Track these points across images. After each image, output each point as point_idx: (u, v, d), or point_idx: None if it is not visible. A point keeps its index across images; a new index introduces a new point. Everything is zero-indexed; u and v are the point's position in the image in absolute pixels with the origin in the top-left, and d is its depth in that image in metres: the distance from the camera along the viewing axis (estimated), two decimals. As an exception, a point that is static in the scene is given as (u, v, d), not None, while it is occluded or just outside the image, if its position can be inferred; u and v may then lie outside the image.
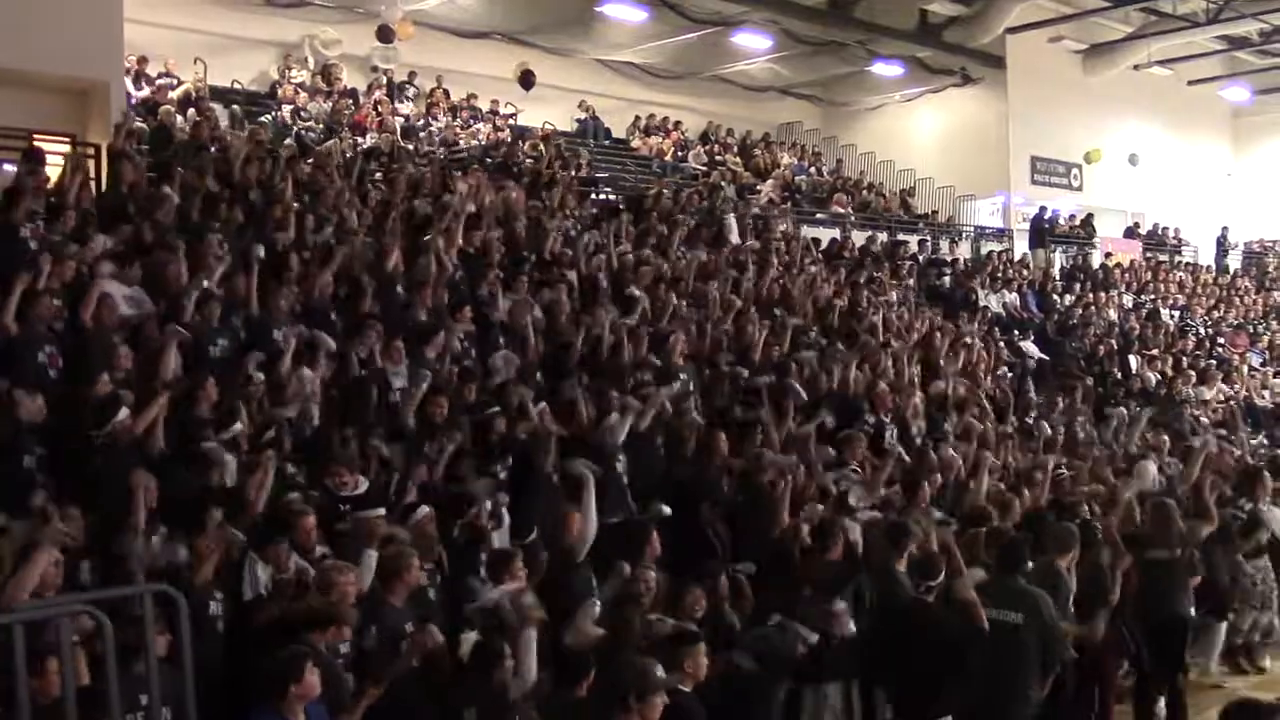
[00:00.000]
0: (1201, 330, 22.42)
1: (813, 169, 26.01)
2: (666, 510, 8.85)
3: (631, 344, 11.45)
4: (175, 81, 17.67)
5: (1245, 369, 20.51)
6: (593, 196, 18.58)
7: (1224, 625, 10.61)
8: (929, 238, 22.76)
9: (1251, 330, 23.17)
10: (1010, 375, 16.44)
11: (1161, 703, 9.18)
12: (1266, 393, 19.86)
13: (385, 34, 20.58)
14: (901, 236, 22.30)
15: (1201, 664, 10.31)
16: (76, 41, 12.96)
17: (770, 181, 23.80)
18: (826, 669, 7.30)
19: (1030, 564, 7.87)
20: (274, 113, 18.50)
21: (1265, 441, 16.80)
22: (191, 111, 16.24)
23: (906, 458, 10.59)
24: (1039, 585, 7.77)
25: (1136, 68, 27.76)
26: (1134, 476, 11.08)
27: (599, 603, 7.02)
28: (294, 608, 6.25)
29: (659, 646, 6.30)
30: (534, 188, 16.24)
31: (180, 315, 9.25)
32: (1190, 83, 29.31)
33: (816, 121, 29.19)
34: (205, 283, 9.67)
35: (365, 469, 8.21)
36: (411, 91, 21.27)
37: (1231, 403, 18.25)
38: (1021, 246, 24.60)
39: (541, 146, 19.08)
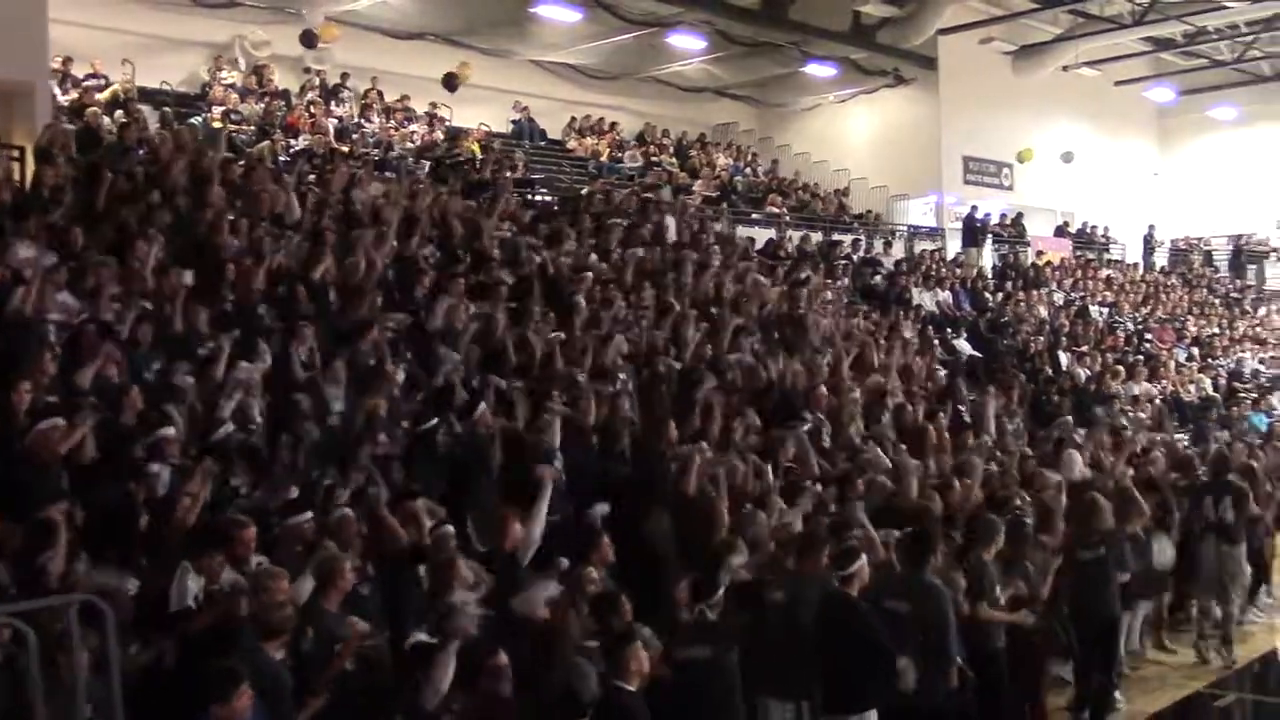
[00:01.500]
0: (1130, 326, 22.85)
1: (748, 169, 26.13)
2: (605, 508, 8.85)
3: (566, 349, 11.40)
4: (103, 82, 17.38)
5: (1172, 364, 20.94)
6: (528, 198, 18.52)
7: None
8: (863, 237, 22.97)
9: (1178, 326, 23.66)
10: (943, 372, 16.60)
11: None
12: (1193, 387, 20.28)
13: (308, 39, 20.36)
14: (836, 236, 22.48)
15: None
16: (0, 42, 12.71)
17: (700, 182, 23.89)
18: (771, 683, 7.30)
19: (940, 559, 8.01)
20: (204, 114, 18.23)
21: (1189, 437, 17.17)
22: (119, 113, 15.97)
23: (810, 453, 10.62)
24: (968, 577, 7.95)
25: (1065, 68, 28.18)
26: (1061, 466, 11.20)
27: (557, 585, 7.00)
28: (239, 619, 6.12)
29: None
30: (472, 190, 16.13)
31: (109, 325, 9.10)
32: (1117, 83, 29.85)
33: (751, 122, 29.34)
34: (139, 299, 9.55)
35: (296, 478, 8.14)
36: (346, 94, 21.05)
37: (1158, 400, 18.62)
38: (954, 245, 24.88)
39: (476, 149, 18.94)
